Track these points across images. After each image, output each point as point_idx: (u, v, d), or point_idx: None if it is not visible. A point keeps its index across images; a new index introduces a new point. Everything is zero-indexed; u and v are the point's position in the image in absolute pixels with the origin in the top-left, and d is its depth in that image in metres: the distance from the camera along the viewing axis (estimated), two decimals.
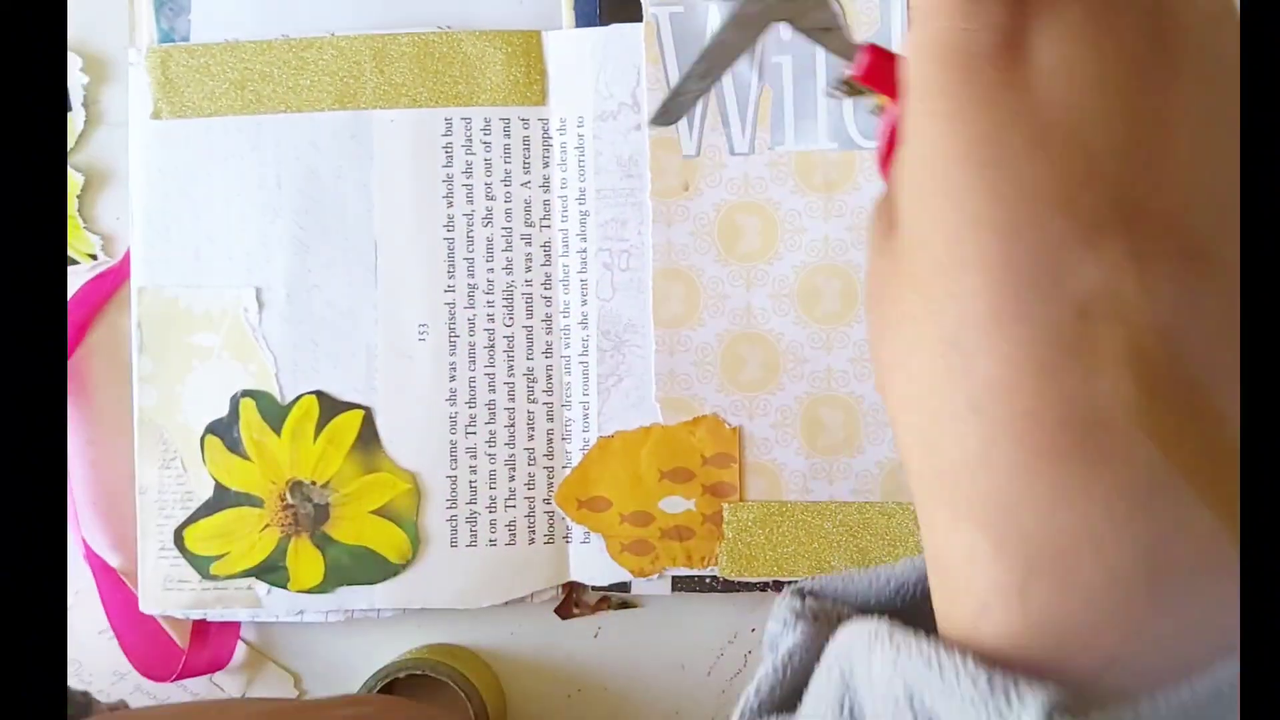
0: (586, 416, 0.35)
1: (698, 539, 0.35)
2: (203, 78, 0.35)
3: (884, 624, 0.20)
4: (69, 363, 0.35)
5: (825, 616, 0.23)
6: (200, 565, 0.35)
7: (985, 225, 0.19)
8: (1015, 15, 0.19)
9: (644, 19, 0.35)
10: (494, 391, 0.35)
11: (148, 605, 0.35)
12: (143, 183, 0.35)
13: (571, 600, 0.35)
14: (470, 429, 0.35)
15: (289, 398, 0.34)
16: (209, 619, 0.35)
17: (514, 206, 0.35)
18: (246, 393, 0.35)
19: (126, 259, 0.36)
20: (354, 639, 0.35)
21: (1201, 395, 0.19)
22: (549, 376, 0.35)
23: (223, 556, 0.35)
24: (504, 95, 0.35)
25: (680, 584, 0.35)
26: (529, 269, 0.35)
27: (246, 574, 0.35)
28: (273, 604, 0.35)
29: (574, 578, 0.35)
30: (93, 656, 0.36)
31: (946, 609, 0.20)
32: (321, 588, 0.35)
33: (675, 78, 0.24)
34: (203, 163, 0.35)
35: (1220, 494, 0.19)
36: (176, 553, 0.35)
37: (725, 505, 0.35)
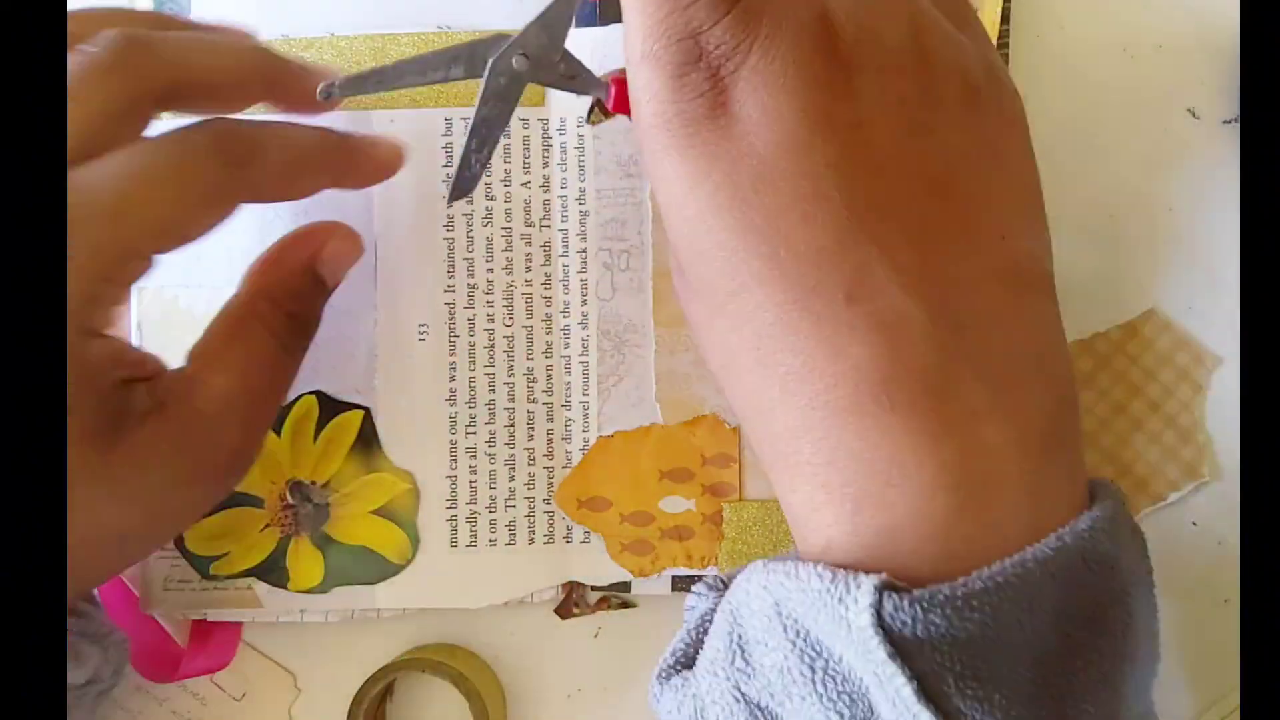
0: (586, 416, 0.35)
1: (698, 539, 0.35)
2: None
3: (761, 560, 0.24)
4: None
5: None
6: (200, 565, 0.35)
7: (748, 254, 0.23)
8: (714, 82, 0.23)
9: None
10: (494, 391, 0.35)
11: (148, 605, 0.35)
12: None
13: (571, 600, 0.35)
14: (470, 429, 0.35)
15: (289, 397, 0.34)
16: (209, 619, 0.35)
17: (514, 206, 0.35)
18: None
19: None
20: (353, 639, 0.35)
21: (953, 364, 0.23)
22: (549, 376, 0.35)
23: (223, 556, 0.35)
24: None
25: (680, 584, 0.35)
26: (529, 269, 0.35)
27: (247, 574, 0.35)
28: (273, 604, 0.35)
29: (574, 578, 0.35)
30: None
31: (803, 548, 0.24)
32: (322, 587, 0.35)
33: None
34: None
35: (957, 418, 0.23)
36: (176, 553, 0.35)
37: (725, 505, 0.35)
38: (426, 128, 0.35)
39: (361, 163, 0.32)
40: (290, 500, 0.35)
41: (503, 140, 0.35)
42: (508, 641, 0.36)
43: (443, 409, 0.35)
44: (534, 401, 0.35)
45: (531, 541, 0.35)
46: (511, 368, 0.35)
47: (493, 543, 0.35)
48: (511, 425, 0.35)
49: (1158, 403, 0.35)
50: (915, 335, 0.22)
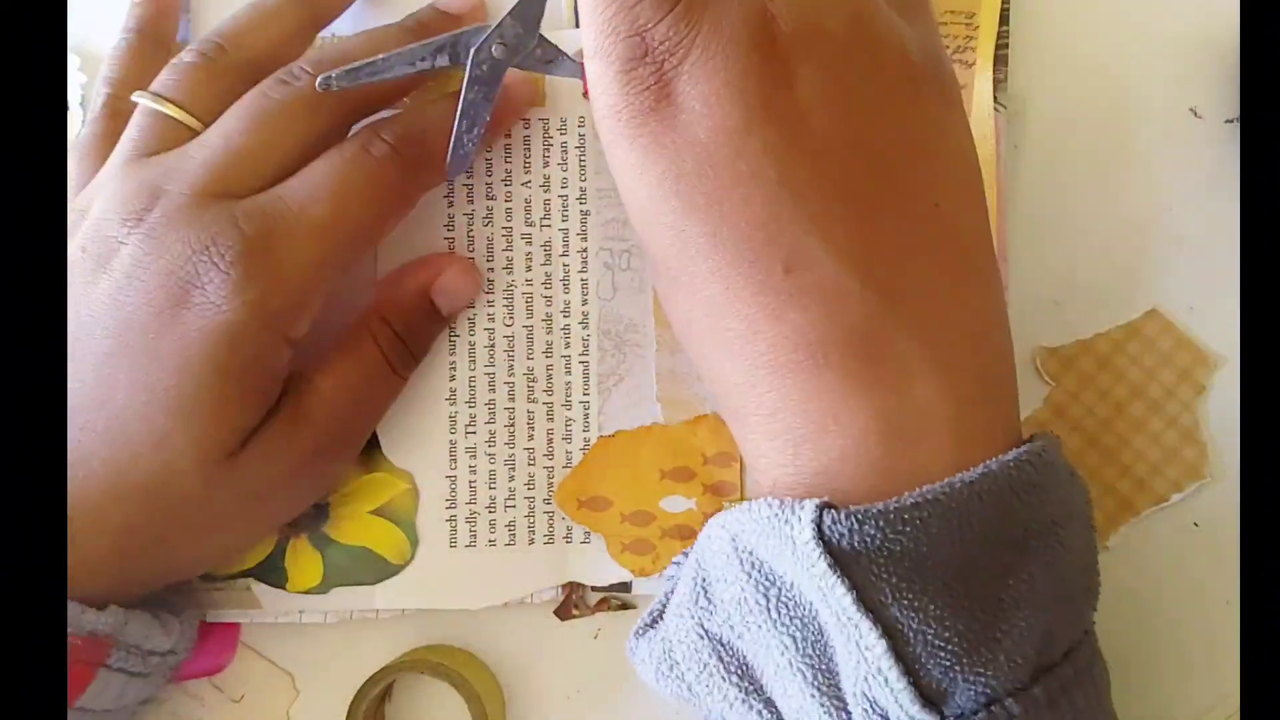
0: (587, 416, 0.35)
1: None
2: None
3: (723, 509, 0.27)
4: None
5: None
6: None
7: (693, 233, 0.25)
8: (659, 76, 0.25)
9: None
10: (494, 391, 0.35)
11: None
12: None
13: (571, 601, 0.35)
14: (470, 428, 0.35)
15: None
16: (208, 619, 0.35)
17: (514, 206, 0.35)
18: None
19: None
20: (352, 640, 0.35)
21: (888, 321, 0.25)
22: (549, 376, 0.35)
23: None
24: None
25: None
26: (529, 269, 0.35)
27: (245, 574, 0.35)
28: (272, 604, 0.35)
29: (574, 578, 0.35)
30: None
31: (754, 491, 0.27)
32: (320, 588, 0.35)
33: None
34: None
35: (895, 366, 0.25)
36: None
37: (727, 504, 0.35)
38: None
39: (505, 114, 0.34)
40: None
41: (503, 140, 0.35)
42: (508, 642, 0.36)
43: (442, 408, 0.35)
44: (534, 401, 0.35)
45: (531, 541, 0.35)
46: (512, 367, 0.35)
47: (492, 543, 0.35)
48: (511, 425, 0.35)
49: (1159, 403, 0.35)
50: (848, 301, 0.25)
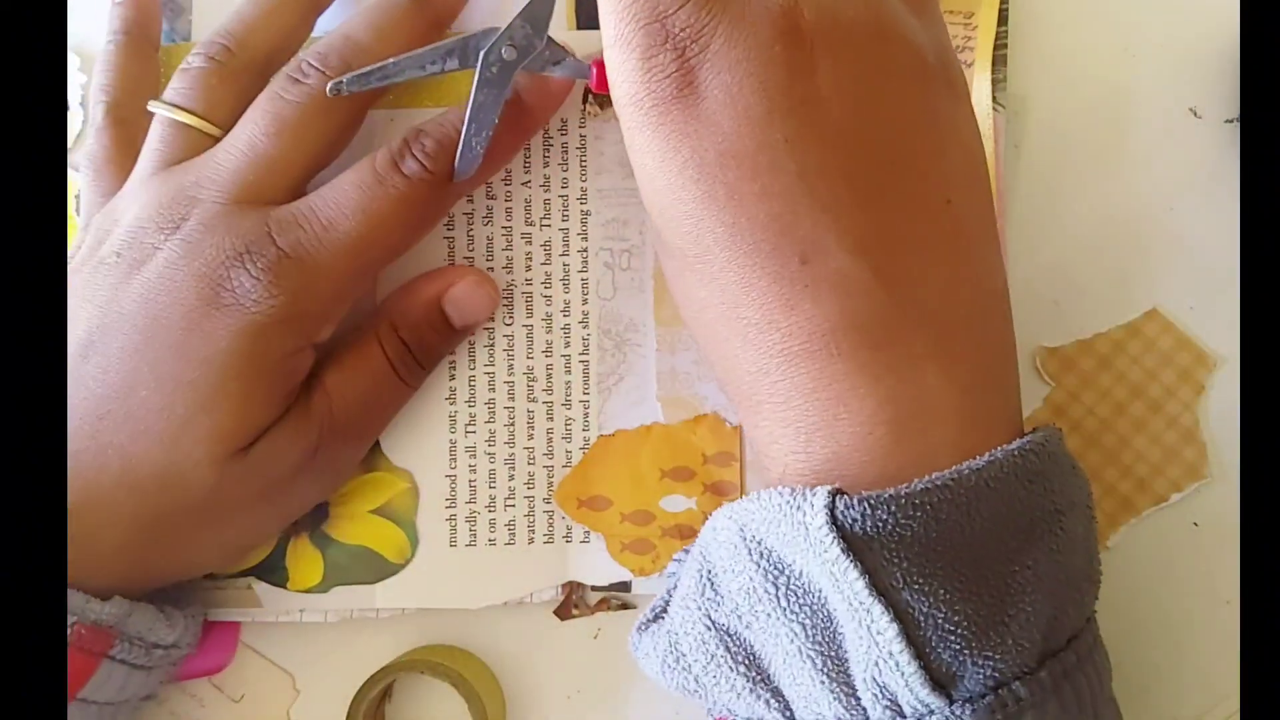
0: (586, 415, 0.35)
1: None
2: None
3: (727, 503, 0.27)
4: None
5: None
6: None
7: (712, 222, 0.26)
8: (681, 64, 0.25)
9: None
10: (494, 390, 0.35)
11: None
12: None
13: (571, 601, 0.35)
14: (470, 428, 0.35)
15: None
16: (209, 619, 0.35)
17: (514, 206, 0.35)
18: None
19: None
20: (352, 639, 0.35)
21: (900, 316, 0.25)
22: (549, 375, 0.35)
23: None
24: None
25: None
26: (529, 268, 0.35)
27: (247, 573, 0.35)
28: (272, 604, 0.35)
29: (574, 578, 0.35)
30: None
31: (765, 479, 0.28)
32: (321, 587, 0.35)
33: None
34: None
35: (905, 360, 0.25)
36: None
37: (726, 503, 0.35)
38: None
39: (538, 118, 0.34)
40: None
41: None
42: (507, 642, 0.36)
43: (442, 408, 0.35)
44: (534, 400, 0.35)
45: (531, 541, 0.35)
46: (512, 367, 0.35)
47: (492, 542, 0.35)
48: (511, 424, 0.35)
49: (1159, 403, 0.35)
50: (860, 292, 0.25)
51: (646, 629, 0.29)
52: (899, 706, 0.24)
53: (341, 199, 0.30)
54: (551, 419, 0.35)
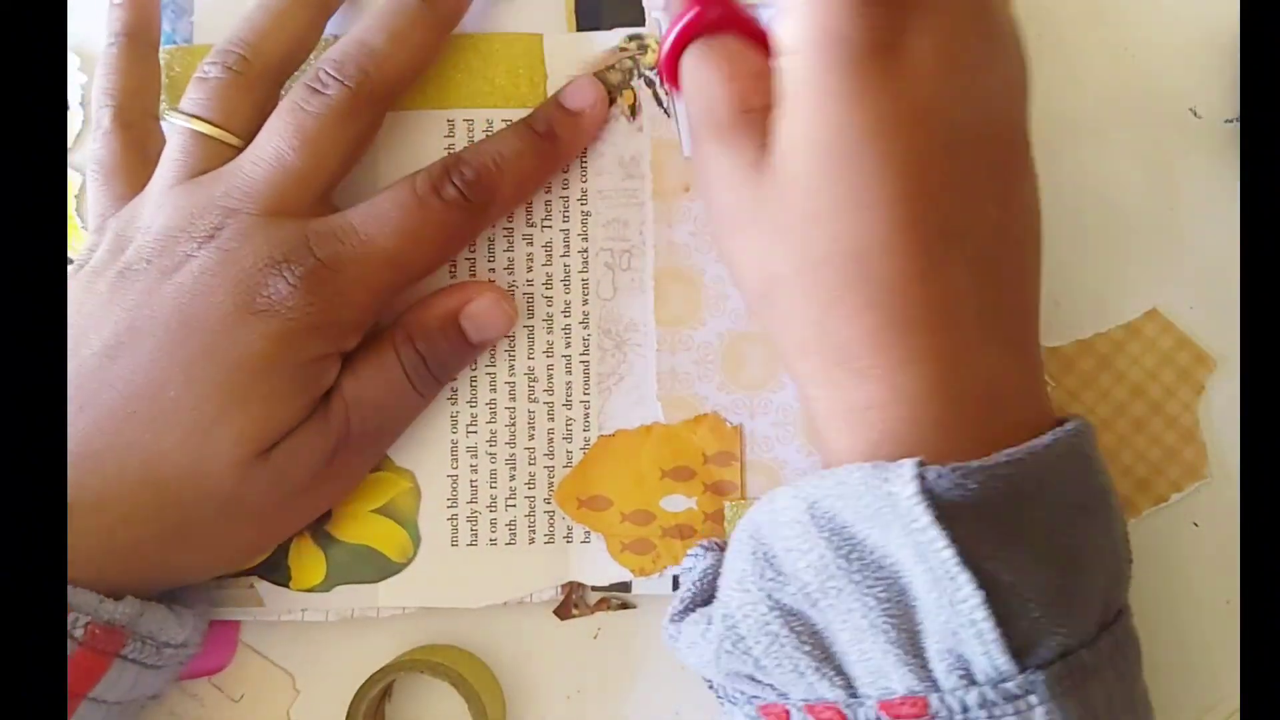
0: (587, 415, 0.35)
1: (699, 537, 0.35)
2: None
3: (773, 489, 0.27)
4: None
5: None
6: None
7: (873, 180, 0.26)
8: (892, 19, 0.26)
9: (646, 23, 0.35)
10: (494, 390, 0.35)
11: None
12: None
13: (571, 601, 0.35)
14: (471, 428, 0.35)
15: None
16: (213, 617, 0.35)
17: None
18: None
19: None
20: (352, 639, 0.35)
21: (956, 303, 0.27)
22: (549, 376, 0.35)
23: None
24: (506, 97, 0.35)
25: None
26: (529, 269, 0.35)
27: (249, 572, 0.35)
28: (275, 603, 0.35)
29: (574, 578, 0.35)
30: None
31: (826, 459, 0.28)
32: (323, 586, 0.35)
33: None
34: None
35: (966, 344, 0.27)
36: None
37: (727, 504, 0.35)
38: (427, 128, 0.35)
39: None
40: None
41: None
42: (507, 642, 0.36)
43: (443, 408, 0.35)
44: (534, 401, 0.35)
45: (532, 541, 0.35)
46: (512, 367, 0.35)
47: (493, 541, 0.35)
48: (512, 424, 0.35)
49: (1159, 403, 0.35)
50: (987, 276, 0.27)
51: (683, 618, 0.29)
52: (972, 675, 0.24)
53: (381, 216, 0.31)
54: (552, 419, 0.35)
